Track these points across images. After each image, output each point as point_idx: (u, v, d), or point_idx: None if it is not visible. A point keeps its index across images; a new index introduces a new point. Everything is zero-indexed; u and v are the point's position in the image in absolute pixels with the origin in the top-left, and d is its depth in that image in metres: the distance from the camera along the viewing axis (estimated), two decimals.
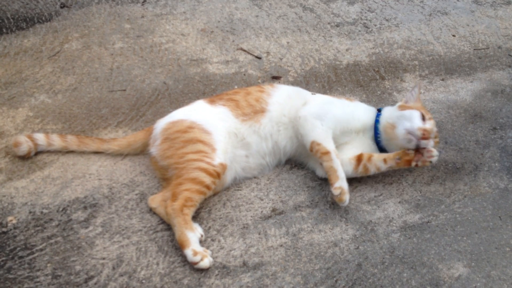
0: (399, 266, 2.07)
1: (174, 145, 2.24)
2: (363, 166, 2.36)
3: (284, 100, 2.46)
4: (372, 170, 2.36)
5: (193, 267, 2.00)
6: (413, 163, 2.31)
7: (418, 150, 2.29)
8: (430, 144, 2.28)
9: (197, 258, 1.99)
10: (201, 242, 2.08)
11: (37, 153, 2.43)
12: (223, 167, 2.21)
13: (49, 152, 2.44)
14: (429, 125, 2.30)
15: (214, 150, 2.21)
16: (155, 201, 2.20)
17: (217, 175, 2.18)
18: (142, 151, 2.44)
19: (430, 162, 2.30)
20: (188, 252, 2.00)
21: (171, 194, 2.13)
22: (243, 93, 2.47)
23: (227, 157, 2.26)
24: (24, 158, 2.40)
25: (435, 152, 2.29)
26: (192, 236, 2.04)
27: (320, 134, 2.33)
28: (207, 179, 2.15)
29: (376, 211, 2.31)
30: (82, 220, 2.15)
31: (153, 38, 3.32)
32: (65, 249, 2.04)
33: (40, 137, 2.40)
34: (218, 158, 2.20)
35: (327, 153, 2.29)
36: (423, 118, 2.32)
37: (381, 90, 3.00)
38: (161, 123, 2.34)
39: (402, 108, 2.41)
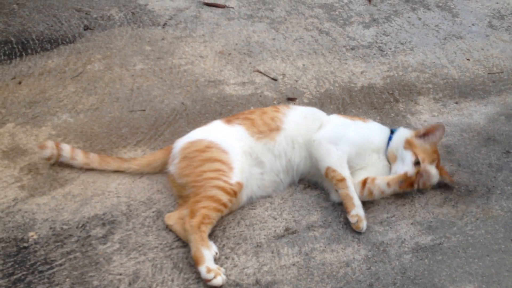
0: (410, 287, 2.10)
1: (192, 164, 2.31)
2: (368, 189, 2.39)
3: (300, 119, 2.53)
4: (377, 194, 2.40)
5: (207, 284, 2.05)
6: (415, 185, 2.38)
7: (419, 172, 2.36)
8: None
9: (210, 276, 2.03)
10: (216, 260, 2.13)
11: (58, 164, 2.52)
12: (240, 185, 2.27)
13: (70, 166, 2.51)
14: (427, 168, 2.40)
15: (232, 169, 2.27)
16: (172, 218, 2.26)
17: (234, 194, 2.24)
18: (161, 170, 2.51)
19: (430, 184, 2.40)
20: (202, 269, 2.05)
21: (189, 211, 2.19)
22: (259, 112, 2.55)
23: (244, 176, 2.32)
24: (46, 160, 2.51)
25: (432, 173, 2.35)
26: (207, 253, 2.09)
27: (336, 160, 2.38)
28: (224, 197, 2.21)
29: (388, 232, 2.34)
30: (100, 237, 2.22)
31: (173, 59, 3.41)
32: (83, 264, 2.10)
33: (66, 148, 2.48)
34: (235, 177, 2.26)
35: (342, 180, 2.34)
36: (417, 163, 2.41)
37: (395, 112, 3.05)
38: (180, 143, 2.42)
39: (408, 144, 2.47)
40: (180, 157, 2.36)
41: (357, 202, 2.32)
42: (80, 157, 2.48)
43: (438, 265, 2.19)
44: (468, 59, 3.52)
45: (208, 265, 2.06)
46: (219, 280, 2.05)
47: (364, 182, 2.41)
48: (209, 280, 2.04)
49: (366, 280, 2.12)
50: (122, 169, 2.50)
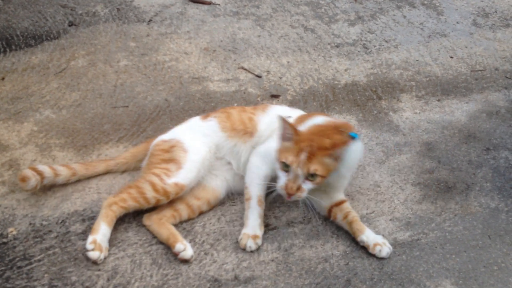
0: (387, 282, 2.12)
1: (152, 161, 2.34)
2: None
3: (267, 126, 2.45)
4: None
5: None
6: None
7: None
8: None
9: (90, 246, 2.08)
10: (194, 258, 2.15)
11: (43, 187, 2.38)
12: (178, 186, 2.25)
13: (57, 185, 2.43)
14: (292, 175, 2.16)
15: (179, 169, 2.27)
16: (150, 218, 2.26)
17: (164, 193, 2.23)
18: None
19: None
20: (89, 238, 2.10)
21: (120, 190, 2.26)
22: (240, 108, 2.54)
23: (194, 175, 2.30)
24: (32, 190, 2.34)
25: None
26: (104, 229, 2.14)
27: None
28: (150, 194, 2.21)
29: (368, 228, 2.36)
30: (80, 232, 2.23)
31: (157, 56, 3.41)
32: (62, 260, 2.11)
33: (45, 169, 2.34)
34: (177, 177, 2.25)
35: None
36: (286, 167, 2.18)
37: (377, 109, 3.07)
38: (156, 140, 2.44)
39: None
40: (149, 154, 2.40)
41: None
42: (63, 172, 2.38)
43: (415, 260, 2.22)
44: (451, 57, 3.55)
45: (96, 238, 2.10)
46: (95, 254, 2.08)
47: None
48: (87, 250, 2.07)
49: (344, 275, 2.14)
50: (111, 167, 2.49)
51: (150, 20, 3.75)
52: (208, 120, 2.47)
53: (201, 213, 2.36)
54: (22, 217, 2.28)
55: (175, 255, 2.15)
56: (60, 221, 2.27)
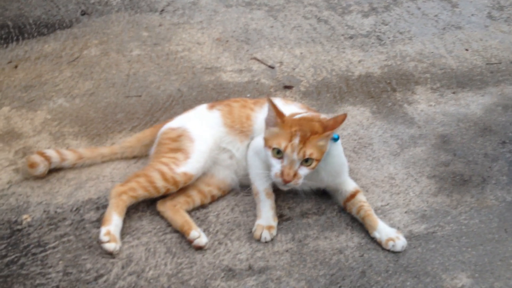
0: (402, 274, 2.10)
1: (161, 150, 2.33)
2: None
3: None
4: None
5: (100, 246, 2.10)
6: None
7: None
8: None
9: (105, 238, 2.07)
10: (207, 248, 2.14)
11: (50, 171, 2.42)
12: (186, 176, 2.24)
13: (64, 169, 2.45)
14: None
15: (187, 159, 2.26)
16: (164, 205, 2.26)
17: (174, 183, 2.22)
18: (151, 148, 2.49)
19: None
20: (102, 230, 2.09)
21: (127, 178, 2.25)
22: (242, 102, 2.50)
23: (201, 166, 2.29)
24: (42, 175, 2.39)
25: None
26: (116, 219, 2.13)
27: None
28: (159, 183, 2.21)
29: (383, 220, 2.34)
30: (94, 220, 2.22)
31: (170, 46, 3.40)
32: (77, 247, 2.11)
33: (52, 154, 2.39)
34: (185, 167, 2.24)
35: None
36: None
37: (392, 101, 3.04)
38: (163, 128, 2.43)
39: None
40: (157, 142, 2.39)
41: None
42: (69, 156, 2.40)
43: (431, 253, 2.20)
44: (466, 50, 3.51)
45: (110, 229, 2.09)
46: (111, 246, 2.07)
47: None
48: (102, 242, 2.07)
49: (358, 267, 2.12)
50: (116, 151, 2.48)
51: (162, 10, 3.74)
52: (213, 111, 2.45)
53: (213, 198, 2.36)
54: (37, 204, 2.28)
55: (190, 242, 2.14)
56: (74, 209, 2.27)
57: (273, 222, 2.25)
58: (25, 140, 2.60)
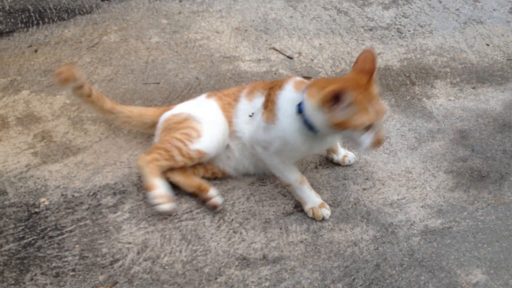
0: (417, 269, 2.09)
1: (170, 131, 2.34)
2: None
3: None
4: None
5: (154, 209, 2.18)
6: None
7: None
8: None
9: (159, 201, 2.15)
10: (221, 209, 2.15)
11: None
12: (200, 153, 2.27)
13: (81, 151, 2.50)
14: None
15: (200, 137, 2.28)
16: (174, 173, 2.32)
17: (190, 158, 2.27)
18: (150, 127, 2.50)
19: None
20: (150, 194, 2.17)
21: (147, 151, 2.30)
22: (233, 96, 2.45)
23: (214, 145, 2.31)
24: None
25: None
26: (159, 182, 2.20)
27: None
28: (178, 157, 2.26)
29: (398, 214, 2.33)
30: (111, 205, 2.24)
31: (189, 34, 3.39)
32: (93, 232, 2.13)
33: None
34: (198, 144, 2.27)
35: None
36: None
37: (410, 95, 3.01)
38: (164, 115, 2.43)
39: None
40: (161, 128, 2.40)
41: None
42: (86, 88, 2.37)
43: (446, 248, 2.19)
44: (487, 45, 3.47)
45: (160, 192, 2.17)
46: (166, 206, 2.15)
47: None
48: (155, 205, 2.15)
49: (373, 260, 2.12)
50: (115, 111, 2.46)
51: None
52: (210, 100, 2.45)
53: (214, 175, 2.41)
54: (54, 188, 2.30)
55: (206, 200, 2.25)
56: (91, 194, 2.29)
57: (319, 199, 2.31)
58: (43, 124, 2.62)
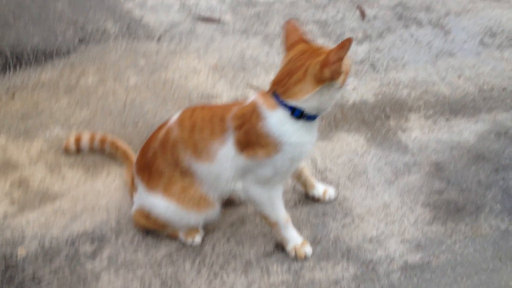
0: None
1: None
2: None
3: None
4: None
5: None
6: None
7: None
8: None
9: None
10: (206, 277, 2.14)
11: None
12: None
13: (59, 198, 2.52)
14: None
15: None
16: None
17: None
18: None
19: None
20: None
21: None
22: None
23: None
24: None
25: None
26: None
27: None
28: None
29: (378, 250, 2.35)
30: (89, 253, 2.23)
31: (166, 73, 3.43)
32: (71, 281, 2.11)
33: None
34: None
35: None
36: None
37: (386, 129, 3.07)
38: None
39: None
40: None
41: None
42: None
43: (426, 283, 2.20)
44: (459, 77, 3.55)
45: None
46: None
47: None
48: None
49: None
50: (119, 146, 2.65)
51: (159, 38, 3.78)
52: None
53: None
54: (32, 237, 2.28)
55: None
56: (69, 242, 2.27)
57: (300, 237, 2.32)
58: (21, 171, 2.61)
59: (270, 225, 2.26)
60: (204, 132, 2.03)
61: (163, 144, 2.11)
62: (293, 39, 2.00)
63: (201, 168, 2.06)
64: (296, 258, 2.28)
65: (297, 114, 1.94)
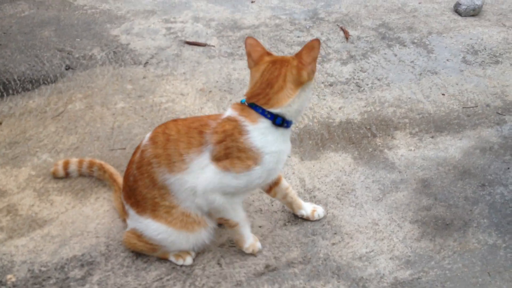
0: None
1: None
2: None
3: None
4: None
5: None
6: None
7: None
8: None
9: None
10: None
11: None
12: None
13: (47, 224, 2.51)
14: None
15: None
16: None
17: None
18: None
19: None
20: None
21: None
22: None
23: None
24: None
25: None
26: None
27: None
28: None
29: (368, 267, 2.36)
30: (79, 278, 2.21)
31: (154, 98, 3.45)
32: None
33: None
34: None
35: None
36: None
37: (372, 147, 3.10)
38: None
39: None
40: None
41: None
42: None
43: None
44: (443, 94, 3.61)
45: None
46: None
47: None
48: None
49: None
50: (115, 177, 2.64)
51: (146, 63, 3.81)
52: None
53: None
54: (21, 264, 2.26)
55: None
56: (59, 267, 2.26)
57: (254, 237, 2.42)
58: (9, 198, 2.60)
59: (230, 227, 2.28)
60: (179, 145, 2.08)
61: (139, 166, 2.15)
62: (258, 52, 2.13)
63: (174, 180, 2.10)
64: (252, 253, 2.38)
65: (279, 121, 2.06)
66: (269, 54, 2.14)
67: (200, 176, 2.08)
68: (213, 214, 2.21)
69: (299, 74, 2.04)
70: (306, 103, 2.15)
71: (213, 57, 3.94)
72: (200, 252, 2.37)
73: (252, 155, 2.04)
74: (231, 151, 2.04)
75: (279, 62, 2.07)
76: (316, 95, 3.57)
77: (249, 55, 2.14)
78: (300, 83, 2.06)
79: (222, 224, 2.31)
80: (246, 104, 2.09)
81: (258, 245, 2.40)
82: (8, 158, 2.86)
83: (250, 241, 2.36)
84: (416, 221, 2.61)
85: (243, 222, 2.29)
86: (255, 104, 2.06)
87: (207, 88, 3.59)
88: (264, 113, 2.05)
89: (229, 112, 2.11)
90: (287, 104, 2.05)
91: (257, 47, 2.14)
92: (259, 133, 2.04)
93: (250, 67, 2.15)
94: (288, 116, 2.08)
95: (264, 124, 2.05)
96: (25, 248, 2.34)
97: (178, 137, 2.09)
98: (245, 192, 2.23)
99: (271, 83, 2.04)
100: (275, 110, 2.05)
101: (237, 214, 2.25)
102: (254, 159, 2.04)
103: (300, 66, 2.04)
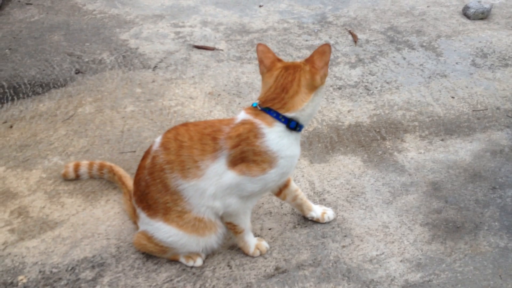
0: None
1: None
2: None
3: None
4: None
5: None
6: None
7: None
8: None
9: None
10: None
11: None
12: None
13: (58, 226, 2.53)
14: None
15: None
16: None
17: None
18: None
19: None
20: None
21: None
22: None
23: None
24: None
25: None
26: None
27: None
28: None
29: (378, 270, 2.35)
30: (90, 279, 2.22)
31: (163, 101, 3.46)
32: None
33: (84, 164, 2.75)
34: None
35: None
36: None
37: (382, 150, 3.09)
38: None
39: None
40: None
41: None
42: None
43: None
44: (452, 97, 3.60)
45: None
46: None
47: None
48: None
49: None
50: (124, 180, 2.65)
51: (155, 67, 3.83)
52: None
53: None
54: (32, 265, 2.27)
55: None
56: (69, 268, 2.27)
57: (256, 239, 2.43)
58: (20, 200, 2.61)
59: (236, 232, 2.31)
60: (193, 151, 2.08)
61: (151, 172, 2.15)
62: (270, 59, 2.16)
63: (188, 186, 2.10)
64: (261, 254, 2.40)
65: (293, 125, 2.09)
66: (279, 60, 2.17)
67: (217, 181, 2.09)
68: (224, 218, 2.23)
69: (313, 79, 2.07)
70: (318, 107, 2.18)
71: (222, 61, 3.95)
72: (210, 254, 2.37)
73: (267, 158, 2.05)
74: (246, 154, 2.05)
75: (292, 68, 2.10)
76: (325, 98, 3.57)
77: (261, 61, 2.16)
78: (313, 87, 2.09)
79: (229, 229, 2.31)
80: (259, 108, 2.10)
81: (264, 243, 2.41)
82: (19, 160, 2.88)
83: (253, 245, 2.38)
84: (426, 224, 2.60)
85: (248, 230, 2.34)
86: (270, 108, 2.08)
87: (216, 92, 3.60)
88: (279, 117, 2.07)
89: (243, 116, 2.12)
90: (302, 108, 2.08)
91: (268, 53, 2.17)
92: (275, 136, 2.06)
93: (262, 73, 2.18)
94: (301, 120, 2.12)
95: (279, 127, 2.07)
96: (36, 249, 2.35)
97: (191, 144, 2.09)
98: (258, 196, 2.24)
99: (286, 88, 2.07)
100: (290, 114, 2.08)
101: (245, 221, 2.29)
102: (269, 162, 2.05)
103: (313, 71, 2.07)
